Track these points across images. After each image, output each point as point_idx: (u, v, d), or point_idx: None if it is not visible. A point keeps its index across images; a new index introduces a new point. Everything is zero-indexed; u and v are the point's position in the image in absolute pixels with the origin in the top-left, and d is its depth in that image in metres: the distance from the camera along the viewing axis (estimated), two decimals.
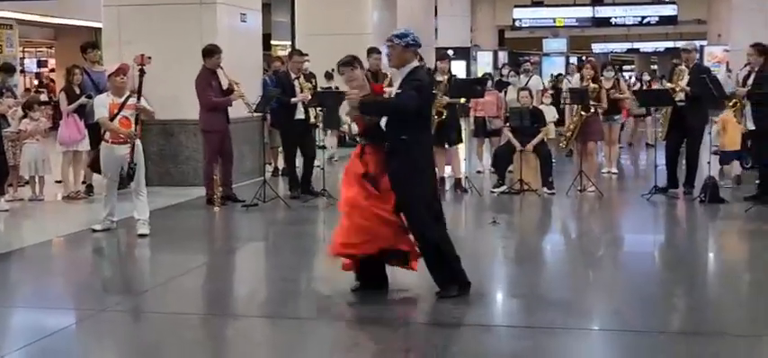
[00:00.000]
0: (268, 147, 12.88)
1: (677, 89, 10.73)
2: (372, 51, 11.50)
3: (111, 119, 8.46)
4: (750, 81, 10.24)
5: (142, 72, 8.66)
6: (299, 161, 11.32)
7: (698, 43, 34.10)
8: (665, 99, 10.98)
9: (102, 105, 8.59)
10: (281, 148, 13.18)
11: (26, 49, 25.11)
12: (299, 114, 11.01)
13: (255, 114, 10.90)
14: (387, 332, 5.85)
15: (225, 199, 10.49)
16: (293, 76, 11.19)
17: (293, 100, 10.88)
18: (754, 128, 10.26)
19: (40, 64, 26.24)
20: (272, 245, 9.14)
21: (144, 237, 8.53)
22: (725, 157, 12.35)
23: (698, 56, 11.35)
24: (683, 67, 10.91)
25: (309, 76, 12.55)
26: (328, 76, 15.27)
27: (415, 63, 6.41)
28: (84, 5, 16.36)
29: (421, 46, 6.51)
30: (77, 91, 11.02)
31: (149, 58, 8.94)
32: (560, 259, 8.46)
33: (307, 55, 12.67)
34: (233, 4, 12.32)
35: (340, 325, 6.07)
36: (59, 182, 11.54)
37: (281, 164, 13.23)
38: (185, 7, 11.95)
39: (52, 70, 25.46)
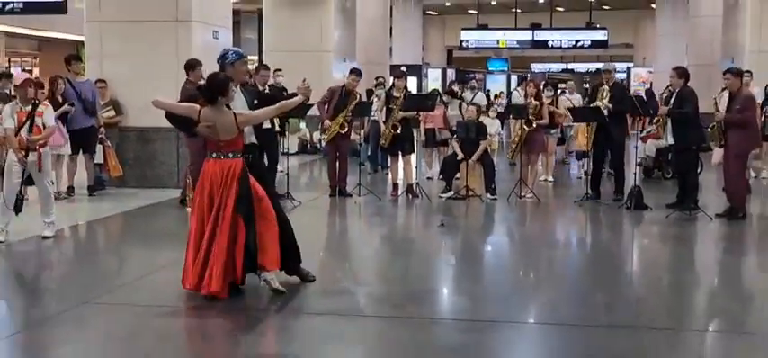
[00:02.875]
0: None
1: (601, 106, 10.91)
2: (353, 72, 11.52)
3: (21, 126, 8.05)
4: (672, 101, 10.39)
5: (35, 104, 8.16)
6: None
7: (625, 65, 34.66)
8: (595, 116, 11.11)
9: (8, 116, 8.19)
10: None
11: (12, 59, 24.69)
12: (266, 124, 10.93)
13: None
14: (344, 323, 5.85)
15: None
16: (260, 88, 11.13)
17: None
18: (673, 143, 10.39)
19: (24, 73, 25.78)
20: None
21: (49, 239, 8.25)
22: (577, 155, 13.80)
23: (616, 75, 11.60)
24: (605, 85, 11.09)
25: (281, 90, 12.43)
26: None
27: None
28: (67, 20, 16.10)
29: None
30: (60, 99, 10.84)
31: (43, 92, 8.70)
32: (502, 258, 8.53)
33: (280, 69, 12.57)
34: (206, 23, 12.24)
35: (307, 317, 6.04)
36: None
37: None
38: (163, 24, 11.83)
39: (37, 79, 24.97)
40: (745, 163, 10.57)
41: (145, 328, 5.66)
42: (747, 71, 13.24)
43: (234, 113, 6.07)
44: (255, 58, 24.33)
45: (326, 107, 11.24)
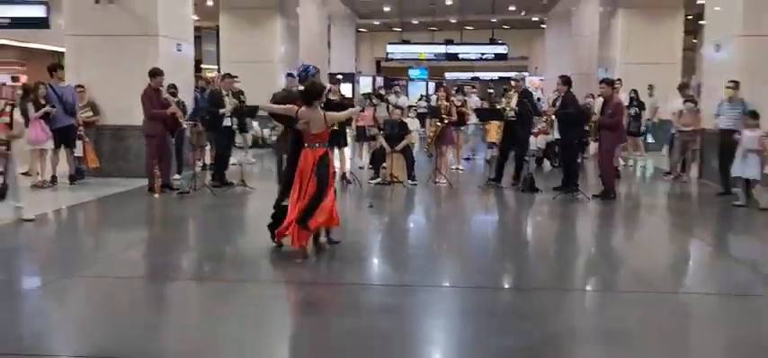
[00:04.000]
0: (195, 147, 12.55)
1: (507, 108, 11.03)
2: (289, 75, 11.41)
3: None
4: (557, 103, 10.59)
5: None
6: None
7: (522, 74, 35.13)
8: (496, 115, 11.24)
9: None
10: (208, 147, 12.88)
11: (2, 67, 23.84)
12: (227, 122, 10.95)
13: (185, 124, 10.77)
14: (292, 289, 5.82)
15: (163, 187, 10.19)
16: (224, 93, 11.10)
17: (221, 111, 10.81)
18: (559, 137, 10.59)
19: (13, 79, 24.87)
20: (202, 222, 8.92)
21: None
22: (489, 146, 14.08)
23: (524, 84, 11.73)
24: (513, 92, 11.21)
25: (238, 94, 12.18)
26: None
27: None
28: (50, 34, 15.56)
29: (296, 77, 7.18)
30: (43, 102, 10.51)
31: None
32: (420, 232, 8.57)
33: (237, 76, 12.43)
34: (171, 37, 11.97)
35: (259, 284, 5.99)
36: (26, 173, 10.98)
37: (207, 160, 12.95)
38: (134, 38, 11.55)
39: (24, 84, 24.11)
40: (613, 155, 10.83)
41: (121, 297, 5.53)
42: (618, 79, 13.61)
43: (324, 113, 6.65)
44: (215, 66, 23.89)
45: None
